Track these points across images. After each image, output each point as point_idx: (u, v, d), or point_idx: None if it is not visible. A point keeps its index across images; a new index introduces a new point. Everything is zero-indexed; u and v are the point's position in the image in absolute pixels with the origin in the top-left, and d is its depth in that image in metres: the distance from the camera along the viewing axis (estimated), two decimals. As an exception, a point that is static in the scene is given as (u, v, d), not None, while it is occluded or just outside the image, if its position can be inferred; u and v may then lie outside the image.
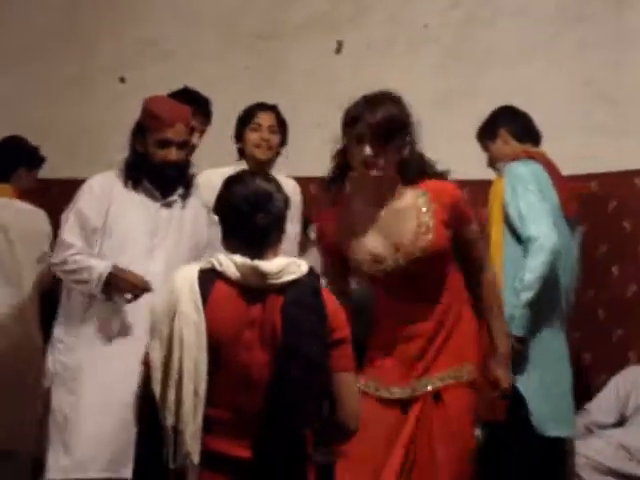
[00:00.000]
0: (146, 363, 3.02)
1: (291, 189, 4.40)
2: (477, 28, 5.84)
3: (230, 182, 3.11)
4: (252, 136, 4.72)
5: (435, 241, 3.47)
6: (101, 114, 6.15)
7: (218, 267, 3.00)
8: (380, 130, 3.53)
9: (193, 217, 4.16)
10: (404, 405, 3.52)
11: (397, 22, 6.03)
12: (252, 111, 4.76)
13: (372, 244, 3.53)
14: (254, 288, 2.98)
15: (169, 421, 2.93)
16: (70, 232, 4.02)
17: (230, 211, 3.07)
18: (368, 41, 6.07)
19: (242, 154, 4.77)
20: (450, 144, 5.00)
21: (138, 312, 3.93)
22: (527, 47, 5.68)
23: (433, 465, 3.41)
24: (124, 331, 4.01)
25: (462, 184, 4.97)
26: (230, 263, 2.98)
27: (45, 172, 5.25)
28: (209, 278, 3.00)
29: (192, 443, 2.92)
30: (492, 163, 4.73)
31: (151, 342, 2.99)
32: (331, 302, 3.04)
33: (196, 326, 2.94)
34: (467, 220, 3.59)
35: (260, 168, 4.45)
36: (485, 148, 4.79)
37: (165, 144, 4.03)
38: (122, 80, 6.21)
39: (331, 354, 2.98)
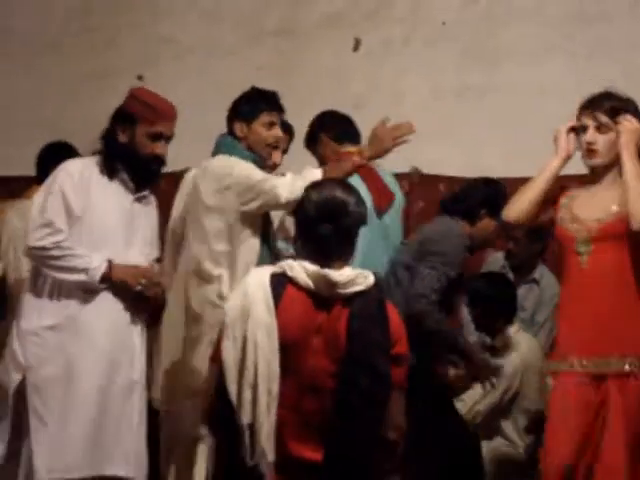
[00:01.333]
0: (213, 359, 3.11)
1: None
2: (494, 26, 5.85)
3: (310, 187, 3.22)
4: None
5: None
6: (119, 111, 6.17)
7: (289, 272, 3.08)
8: None
9: (154, 214, 4.12)
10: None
11: (414, 20, 6.04)
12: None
13: None
14: (322, 295, 3.06)
15: (245, 420, 3.01)
16: (57, 216, 3.84)
17: (300, 216, 3.18)
18: (386, 39, 6.07)
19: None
20: (467, 140, 5.00)
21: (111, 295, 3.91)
22: (544, 45, 5.68)
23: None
24: (106, 315, 3.92)
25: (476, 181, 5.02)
26: (301, 270, 3.07)
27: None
28: (280, 283, 3.08)
29: (267, 441, 2.99)
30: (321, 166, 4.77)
31: (225, 342, 3.06)
32: (394, 316, 3.12)
33: (268, 328, 3.03)
34: None
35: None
36: (313, 153, 4.89)
37: (157, 137, 3.96)
38: (140, 78, 6.22)
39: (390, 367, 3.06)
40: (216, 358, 3.10)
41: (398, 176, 5.68)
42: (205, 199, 4.19)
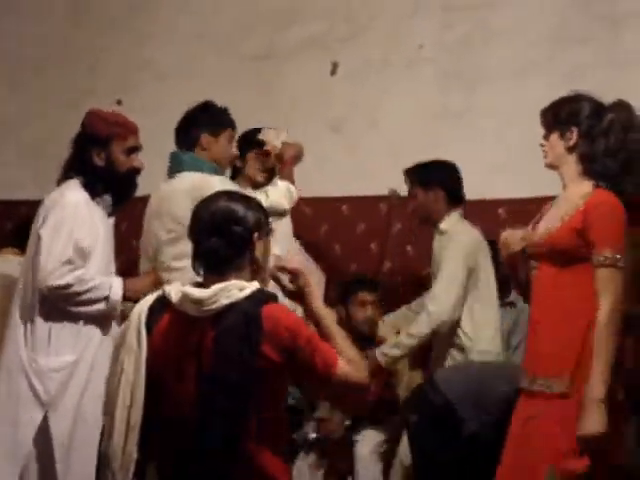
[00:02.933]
0: None
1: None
2: (473, 48, 5.86)
3: (200, 202, 3.05)
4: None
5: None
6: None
7: (167, 294, 2.94)
8: None
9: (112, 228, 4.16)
10: None
11: (392, 43, 6.05)
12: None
13: None
14: (192, 317, 2.89)
15: (102, 448, 2.95)
16: (69, 251, 3.87)
17: (189, 232, 3.02)
18: (364, 62, 6.09)
19: None
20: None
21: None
22: (522, 67, 5.70)
23: None
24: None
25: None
26: (178, 291, 2.92)
27: (44, 192, 5.25)
28: (161, 306, 2.95)
29: (120, 472, 2.88)
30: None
31: (108, 371, 2.99)
32: (273, 321, 2.85)
33: (136, 356, 2.90)
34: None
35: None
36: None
37: (132, 151, 4.04)
38: (119, 102, 6.22)
39: (308, 364, 2.84)
40: None
41: (377, 198, 5.71)
42: (187, 217, 4.23)
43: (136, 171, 4.04)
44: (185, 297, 2.88)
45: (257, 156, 4.77)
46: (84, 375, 3.91)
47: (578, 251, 3.49)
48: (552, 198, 5.46)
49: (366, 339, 5.03)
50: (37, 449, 3.88)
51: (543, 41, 5.73)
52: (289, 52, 6.23)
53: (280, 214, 4.45)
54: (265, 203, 3.83)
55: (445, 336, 4.78)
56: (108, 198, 4.04)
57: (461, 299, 4.74)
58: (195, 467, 2.84)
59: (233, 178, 4.80)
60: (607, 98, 5.36)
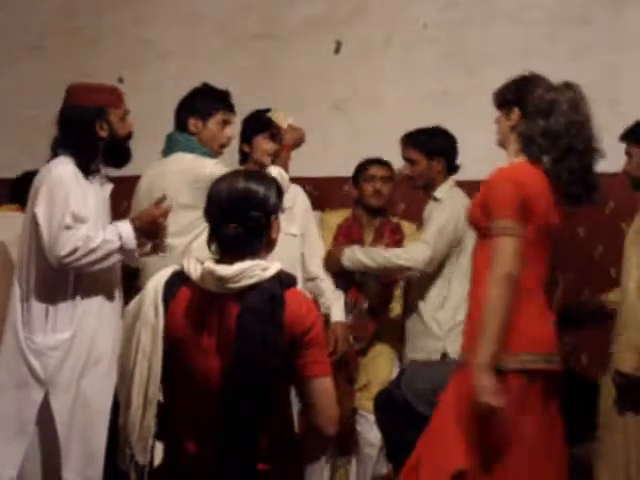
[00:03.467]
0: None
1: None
2: (474, 28, 5.85)
3: (216, 182, 3.03)
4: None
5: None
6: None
7: (185, 270, 2.95)
8: None
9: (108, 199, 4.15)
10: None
11: (395, 22, 6.04)
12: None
13: None
14: (215, 293, 2.90)
15: (120, 421, 2.95)
16: (68, 218, 3.82)
17: (206, 213, 3.01)
18: (366, 41, 6.08)
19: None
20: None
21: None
22: (524, 48, 5.68)
23: None
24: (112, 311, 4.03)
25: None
26: (196, 266, 2.93)
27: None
28: (177, 281, 2.95)
29: (138, 446, 2.91)
30: None
31: (121, 344, 3.00)
32: (296, 307, 2.90)
33: (153, 329, 2.90)
34: None
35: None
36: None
37: (125, 115, 4.06)
38: (120, 80, 6.21)
39: (300, 360, 2.89)
40: None
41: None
42: (178, 197, 4.23)
43: (130, 135, 4.06)
44: (208, 273, 2.88)
45: (265, 139, 4.73)
46: (84, 350, 3.92)
47: (484, 225, 3.51)
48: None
49: (375, 211, 5.17)
50: (41, 429, 3.89)
51: (545, 21, 5.72)
52: (291, 31, 6.22)
53: None
54: None
55: (417, 322, 4.85)
56: (100, 167, 4.04)
57: (444, 254, 4.82)
58: (221, 437, 2.88)
59: (242, 163, 4.79)
60: (609, 78, 5.37)
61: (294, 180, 4.85)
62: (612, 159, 5.34)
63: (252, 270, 2.88)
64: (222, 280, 2.87)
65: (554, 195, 3.56)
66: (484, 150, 5.35)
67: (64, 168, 3.93)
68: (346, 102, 5.99)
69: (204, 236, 4.14)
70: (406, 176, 5.01)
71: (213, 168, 4.18)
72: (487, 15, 5.86)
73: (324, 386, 2.92)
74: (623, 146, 4.55)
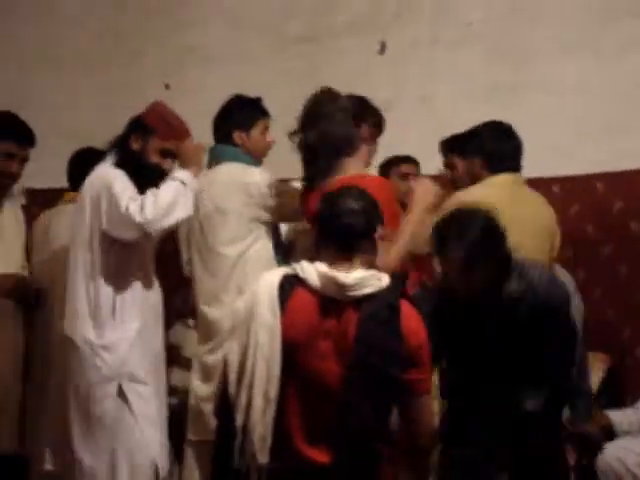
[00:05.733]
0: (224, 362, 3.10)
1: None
2: (521, 24, 5.81)
3: (327, 195, 3.24)
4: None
5: None
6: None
7: (300, 274, 3.05)
8: None
9: None
10: None
11: (440, 21, 6.02)
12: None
13: None
14: (332, 298, 3.01)
15: (239, 421, 2.99)
16: (130, 190, 3.90)
17: (319, 219, 3.17)
18: (412, 41, 6.05)
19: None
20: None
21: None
22: (572, 41, 5.64)
23: None
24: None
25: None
26: (312, 271, 3.04)
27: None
28: (291, 284, 3.05)
29: (260, 444, 2.97)
30: None
31: (231, 344, 3.06)
32: (410, 320, 3.04)
33: (271, 330, 2.99)
34: None
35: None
36: None
37: (166, 154, 4.05)
38: (167, 86, 6.23)
39: (407, 375, 3.01)
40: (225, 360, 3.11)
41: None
42: (229, 204, 4.35)
43: (163, 172, 4.04)
44: (328, 279, 3.00)
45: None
46: (145, 339, 4.03)
47: None
48: (605, 175, 5.46)
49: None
50: (117, 422, 3.95)
51: (594, 14, 5.66)
52: (335, 33, 6.21)
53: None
54: None
55: None
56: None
57: None
58: (340, 440, 2.99)
59: None
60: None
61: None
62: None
63: (369, 279, 3.02)
64: (343, 287, 3.00)
65: None
66: (534, 145, 5.32)
67: (117, 171, 4.01)
68: (392, 102, 5.95)
69: (259, 246, 4.26)
70: (449, 180, 4.96)
71: (261, 176, 4.36)
72: (533, 10, 5.81)
73: (427, 403, 3.08)
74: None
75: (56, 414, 4.24)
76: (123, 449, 3.90)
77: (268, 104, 4.72)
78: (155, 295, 4.13)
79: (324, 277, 3.01)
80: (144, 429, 3.92)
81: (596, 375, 4.78)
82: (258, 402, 2.97)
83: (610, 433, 4.18)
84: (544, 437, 3.44)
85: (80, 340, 3.95)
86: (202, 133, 4.53)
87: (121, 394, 3.93)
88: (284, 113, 4.68)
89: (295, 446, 3.00)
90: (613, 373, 4.98)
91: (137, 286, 4.02)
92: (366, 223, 3.09)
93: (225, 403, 3.05)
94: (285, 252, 4.48)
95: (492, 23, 5.88)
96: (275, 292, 3.03)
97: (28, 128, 4.43)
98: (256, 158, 4.57)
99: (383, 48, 6.13)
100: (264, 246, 4.37)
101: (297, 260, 4.38)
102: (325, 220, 3.14)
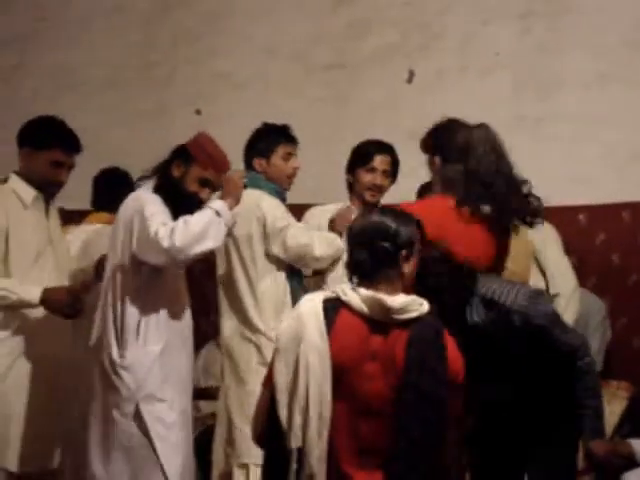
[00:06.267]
0: (265, 384, 3.12)
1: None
2: (548, 55, 5.83)
3: (360, 215, 3.29)
4: (366, 178, 4.78)
5: None
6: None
7: (343, 297, 3.08)
8: None
9: None
10: None
11: (468, 50, 6.05)
12: (369, 152, 4.80)
13: None
14: (377, 321, 3.05)
15: (294, 443, 3.01)
16: (162, 216, 3.92)
17: (348, 241, 3.20)
18: (439, 70, 6.09)
19: (351, 188, 4.86)
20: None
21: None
22: (598, 73, 5.66)
23: None
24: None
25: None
26: (355, 294, 3.07)
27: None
28: (333, 307, 3.08)
29: (317, 465, 3.00)
30: None
31: (277, 366, 3.07)
32: (452, 346, 3.09)
33: (320, 352, 3.02)
34: None
35: (367, 207, 4.56)
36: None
37: (205, 183, 4.06)
38: (198, 112, 6.29)
39: (450, 397, 3.05)
40: (267, 383, 3.11)
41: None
42: (247, 230, 4.52)
43: (200, 200, 4.06)
44: (375, 302, 3.04)
45: (366, 172, 4.79)
46: (168, 361, 4.03)
47: None
48: (630, 205, 5.47)
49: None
50: (134, 443, 3.95)
51: (620, 46, 5.68)
52: (364, 61, 6.26)
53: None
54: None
55: None
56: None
57: None
58: (395, 461, 3.02)
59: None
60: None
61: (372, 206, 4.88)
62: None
63: (412, 304, 3.05)
64: (390, 310, 3.03)
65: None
66: (560, 175, 5.36)
67: (149, 194, 4.05)
68: (420, 130, 5.99)
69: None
70: None
71: (269, 205, 4.50)
72: (560, 41, 5.84)
73: (454, 425, 3.11)
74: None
75: (78, 433, 4.25)
76: (140, 472, 3.91)
77: (297, 131, 4.77)
78: (184, 317, 4.13)
79: (369, 300, 3.04)
80: (162, 452, 3.92)
81: (619, 403, 4.77)
82: (314, 424, 3.00)
83: (632, 462, 4.18)
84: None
85: (104, 358, 3.98)
86: (232, 159, 4.59)
87: (138, 416, 3.93)
88: (313, 139, 4.76)
89: (342, 469, 3.04)
90: (637, 401, 4.97)
91: (164, 308, 4.03)
92: (375, 260, 3.10)
93: (274, 426, 3.06)
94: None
95: (519, 53, 5.91)
96: (321, 315, 3.06)
97: (74, 135, 4.44)
98: (280, 185, 4.63)
99: (411, 76, 6.17)
100: (275, 279, 4.52)
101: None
102: (350, 244, 3.21)
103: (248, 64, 6.49)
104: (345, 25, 6.34)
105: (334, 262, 4.55)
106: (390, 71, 6.20)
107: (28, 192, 4.29)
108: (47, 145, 4.31)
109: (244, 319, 4.50)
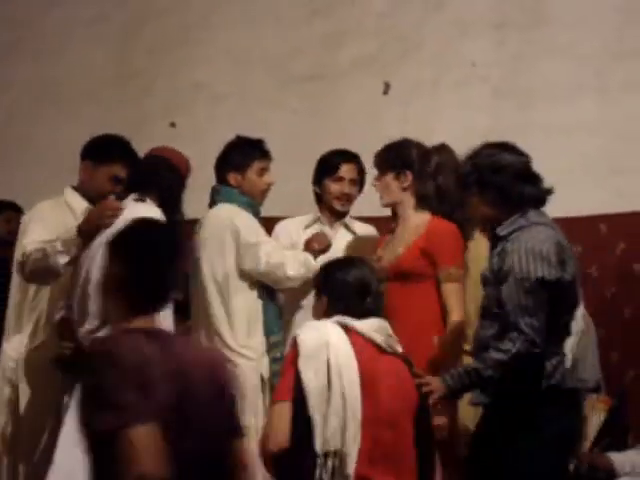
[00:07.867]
0: (285, 396, 3.21)
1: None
2: (525, 65, 5.84)
3: (340, 265, 3.55)
4: (334, 187, 4.75)
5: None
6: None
7: (349, 323, 3.32)
8: None
9: None
10: None
11: (444, 61, 6.05)
12: (335, 162, 4.77)
13: None
14: (381, 347, 3.35)
15: (332, 445, 3.13)
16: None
17: (339, 293, 3.45)
18: (416, 81, 6.09)
19: (319, 199, 4.83)
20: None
21: None
22: (575, 83, 5.67)
23: None
24: None
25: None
26: (359, 323, 3.33)
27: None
28: (344, 329, 3.34)
29: (352, 467, 3.13)
30: None
31: (305, 374, 3.18)
32: None
33: (348, 355, 3.22)
34: None
35: (336, 217, 4.75)
36: None
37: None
38: (172, 125, 6.26)
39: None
40: (287, 394, 3.20)
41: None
42: (220, 244, 4.50)
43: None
44: (383, 330, 3.39)
45: (334, 182, 4.76)
46: None
47: (423, 270, 4.14)
48: (608, 217, 5.48)
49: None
50: None
51: (598, 55, 5.69)
52: (340, 72, 6.26)
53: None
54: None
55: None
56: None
57: None
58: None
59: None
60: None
61: (357, 219, 4.87)
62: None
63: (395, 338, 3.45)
64: (391, 338, 3.40)
65: None
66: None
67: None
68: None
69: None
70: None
71: (242, 221, 4.49)
72: (537, 51, 5.85)
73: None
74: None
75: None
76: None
77: (272, 142, 4.75)
78: None
79: (381, 329, 3.38)
80: None
81: (598, 417, 4.77)
82: (351, 425, 3.15)
83: (611, 475, 4.18)
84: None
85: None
86: (208, 170, 4.57)
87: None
88: (289, 151, 4.74)
89: (360, 472, 3.17)
90: (615, 415, 4.96)
91: None
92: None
93: (302, 429, 3.16)
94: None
95: (495, 64, 5.92)
96: (339, 328, 3.29)
97: (136, 153, 4.53)
98: (254, 199, 4.60)
99: (387, 89, 6.17)
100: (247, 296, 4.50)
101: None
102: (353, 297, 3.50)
103: (224, 75, 6.47)
104: (321, 36, 6.34)
105: (306, 282, 4.46)
106: (367, 82, 6.20)
107: (81, 204, 4.44)
108: (109, 160, 4.45)
109: (215, 334, 4.44)
